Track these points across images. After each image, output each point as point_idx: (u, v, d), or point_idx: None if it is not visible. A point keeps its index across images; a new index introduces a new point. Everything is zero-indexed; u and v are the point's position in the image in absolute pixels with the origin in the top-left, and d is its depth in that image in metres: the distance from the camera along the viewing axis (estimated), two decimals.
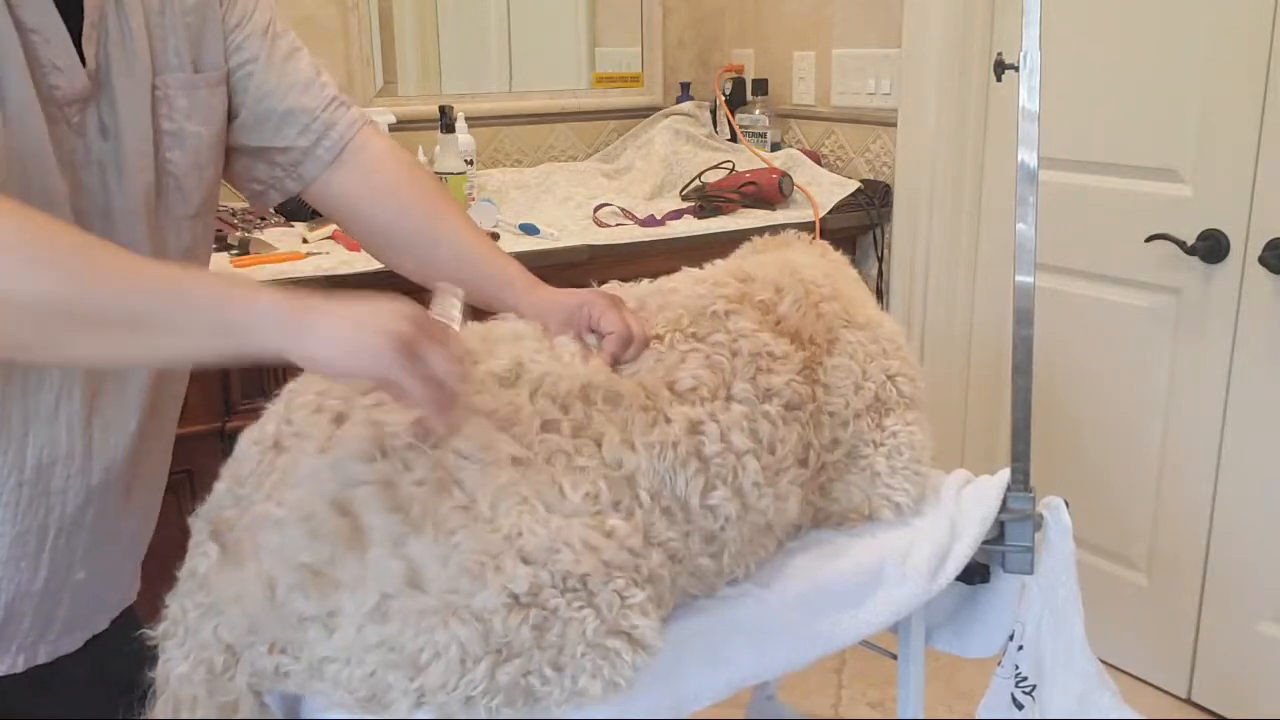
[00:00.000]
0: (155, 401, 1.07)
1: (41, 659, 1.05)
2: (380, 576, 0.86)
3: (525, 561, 0.88)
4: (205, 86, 1.04)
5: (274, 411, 1.00)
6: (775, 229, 1.50)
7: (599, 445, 0.98)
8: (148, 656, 0.95)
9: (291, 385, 1.01)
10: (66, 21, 0.91)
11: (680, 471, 1.01)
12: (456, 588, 0.86)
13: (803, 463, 1.15)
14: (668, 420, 1.03)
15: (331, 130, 1.14)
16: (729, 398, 1.08)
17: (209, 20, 1.04)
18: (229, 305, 0.80)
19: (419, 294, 1.06)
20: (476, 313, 1.11)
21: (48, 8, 0.89)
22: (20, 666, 1.03)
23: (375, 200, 1.16)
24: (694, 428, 1.03)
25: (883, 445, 1.23)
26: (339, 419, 0.95)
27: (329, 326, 0.81)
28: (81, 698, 1.10)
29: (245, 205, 2.26)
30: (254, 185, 1.16)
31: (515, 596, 0.87)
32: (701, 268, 1.26)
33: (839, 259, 1.41)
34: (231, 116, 1.10)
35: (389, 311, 0.83)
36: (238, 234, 2.00)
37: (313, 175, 1.14)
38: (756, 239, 1.46)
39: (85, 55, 0.92)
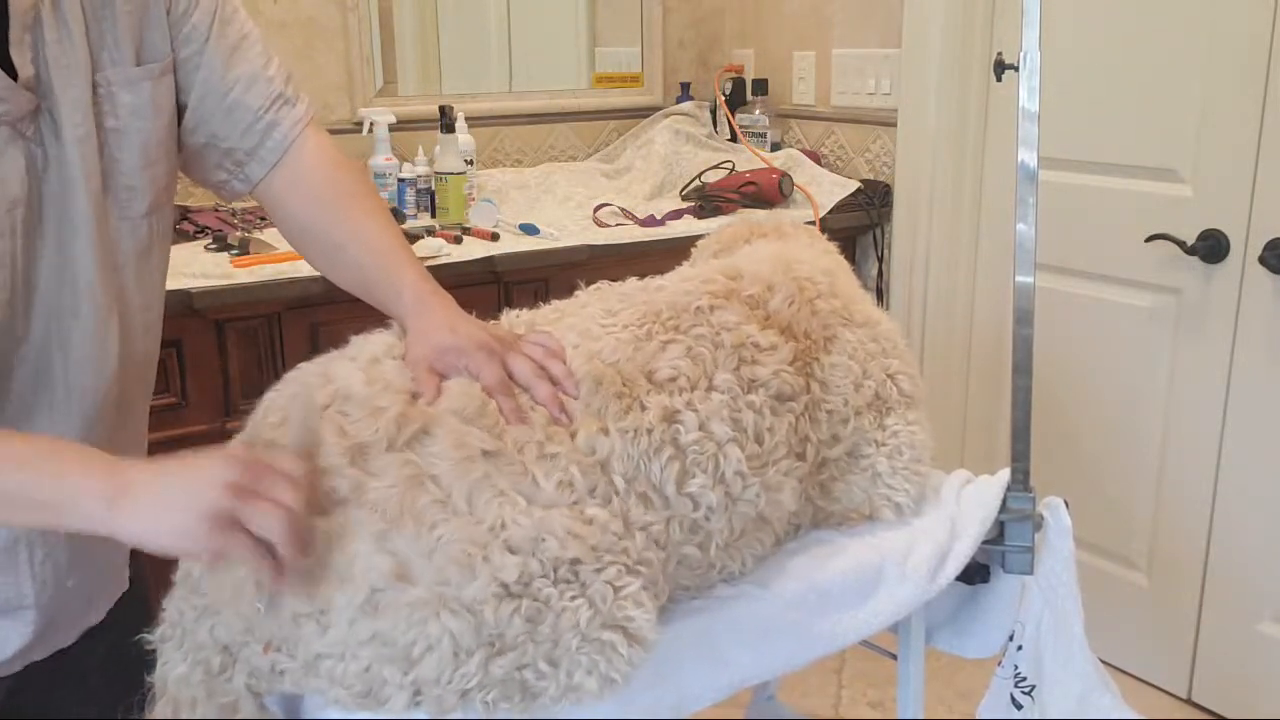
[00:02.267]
0: (117, 414, 1.05)
1: (37, 656, 1.05)
2: (367, 572, 0.87)
3: (512, 551, 0.89)
4: (149, 79, 1.00)
5: (254, 419, 1.01)
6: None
7: (572, 434, 0.98)
8: (148, 659, 0.95)
9: (269, 395, 1.02)
10: None
11: (654, 458, 1.00)
12: (446, 579, 0.87)
13: (800, 456, 1.15)
14: (643, 408, 1.02)
15: (275, 130, 1.09)
16: (710, 387, 1.07)
17: (150, 8, 1.00)
18: (53, 485, 0.82)
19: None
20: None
21: None
22: (16, 667, 1.03)
23: (298, 199, 1.12)
24: (669, 416, 1.03)
25: (884, 445, 1.23)
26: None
27: (142, 513, 0.81)
28: (95, 687, 1.09)
29: (245, 205, 2.26)
30: (210, 183, 1.13)
31: (505, 586, 0.88)
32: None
33: (830, 247, 1.41)
34: (179, 110, 1.06)
35: (204, 481, 0.81)
36: (238, 234, 2.01)
37: (258, 177, 1.10)
38: (737, 223, 1.46)
39: (17, 64, 0.89)
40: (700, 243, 1.50)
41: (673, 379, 1.06)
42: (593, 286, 1.19)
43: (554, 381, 1.02)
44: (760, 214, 2.34)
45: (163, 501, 0.81)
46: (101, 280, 0.98)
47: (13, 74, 0.89)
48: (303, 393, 0.99)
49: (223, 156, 1.09)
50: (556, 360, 1.03)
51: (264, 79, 1.08)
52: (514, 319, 1.14)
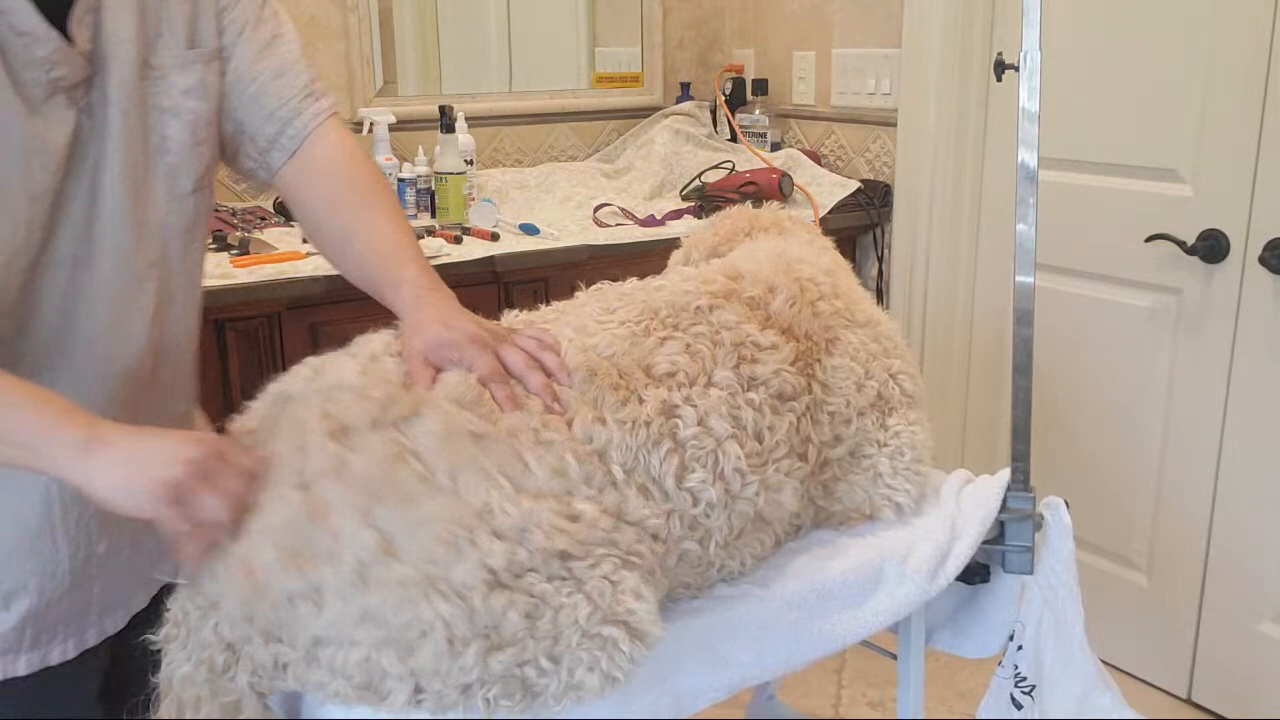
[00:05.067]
0: (153, 369, 1.08)
1: (91, 642, 1.07)
2: (352, 545, 0.88)
3: (499, 537, 0.89)
4: (200, 62, 1.05)
5: (254, 409, 1.03)
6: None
7: (569, 423, 0.98)
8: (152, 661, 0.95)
9: (271, 387, 1.04)
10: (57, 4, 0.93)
11: (653, 451, 1.01)
12: (433, 558, 0.87)
13: (801, 456, 1.15)
14: (641, 400, 1.03)
15: (295, 120, 1.13)
16: (709, 384, 1.08)
17: None
18: (34, 427, 0.86)
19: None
20: None
21: (28, 9, 0.91)
22: (72, 652, 1.06)
23: (311, 191, 1.15)
24: (668, 410, 1.03)
25: (886, 445, 1.23)
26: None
27: (109, 465, 0.86)
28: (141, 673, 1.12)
29: (245, 205, 2.26)
30: (241, 171, 1.17)
31: (494, 573, 0.88)
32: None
33: (828, 243, 1.42)
34: None
35: (168, 452, 0.87)
36: (238, 234, 2.01)
37: (278, 165, 1.14)
38: (736, 216, 1.46)
39: (74, 38, 0.94)
40: (694, 234, 1.49)
41: (671, 374, 1.06)
42: (593, 287, 1.20)
43: (547, 373, 1.03)
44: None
45: (130, 461, 0.86)
46: (135, 248, 1.02)
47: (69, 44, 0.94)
48: (278, 387, 1.01)
49: (249, 144, 1.13)
50: (550, 352, 1.04)
51: (291, 73, 1.12)
52: (514, 319, 1.15)
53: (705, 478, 1.03)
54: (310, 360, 1.05)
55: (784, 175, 2.41)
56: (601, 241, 2.17)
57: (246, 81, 1.10)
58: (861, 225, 2.50)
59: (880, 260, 2.54)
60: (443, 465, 0.91)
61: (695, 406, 1.05)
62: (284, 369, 1.06)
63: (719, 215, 1.51)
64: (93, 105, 0.97)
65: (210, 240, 1.99)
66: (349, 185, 1.14)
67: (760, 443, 1.09)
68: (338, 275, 1.17)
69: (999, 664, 1.36)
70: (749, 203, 1.57)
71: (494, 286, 2.06)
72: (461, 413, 0.95)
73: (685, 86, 2.87)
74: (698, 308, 1.13)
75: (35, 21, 0.91)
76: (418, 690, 0.88)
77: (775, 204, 1.45)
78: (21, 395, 0.87)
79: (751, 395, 1.09)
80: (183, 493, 0.86)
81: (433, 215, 2.34)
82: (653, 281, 1.20)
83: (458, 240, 2.10)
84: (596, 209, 2.35)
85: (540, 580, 0.89)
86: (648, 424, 1.01)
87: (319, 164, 1.14)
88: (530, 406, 0.99)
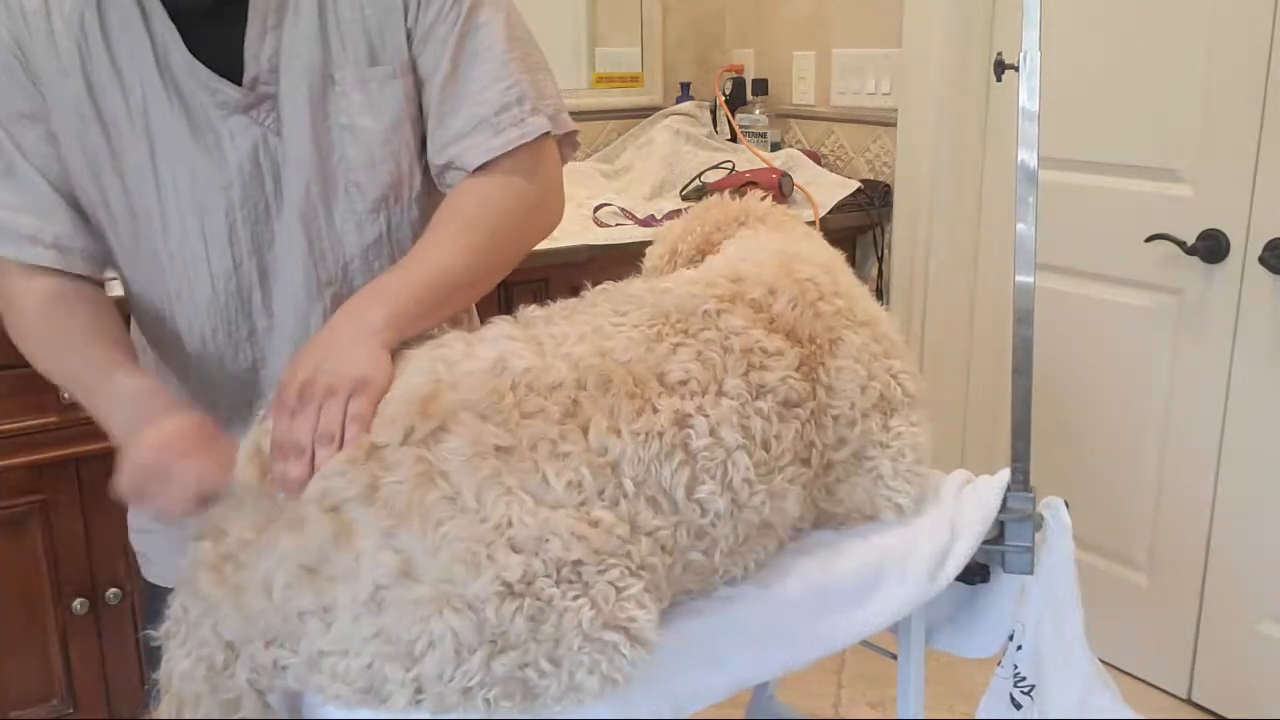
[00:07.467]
0: None
1: None
2: (372, 568, 0.87)
3: (516, 550, 0.89)
4: (377, 80, 1.04)
5: (260, 420, 1.01)
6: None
7: (585, 432, 0.98)
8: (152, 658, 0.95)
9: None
10: (235, 24, 0.97)
11: (665, 463, 1.00)
12: (451, 577, 0.87)
13: (805, 461, 1.15)
14: (655, 410, 1.02)
15: (457, 159, 1.09)
16: (720, 393, 1.07)
17: (390, 12, 1.05)
18: (107, 401, 1.01)
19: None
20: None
21: (218, 35, 0.95)
22: None
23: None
24: (681, 420, 1.03)
25: (889, 447, 1.23)
26: None
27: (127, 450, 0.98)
28: None
29: None
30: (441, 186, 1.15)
31: (509, 585, 0.87)
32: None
33: (823, 240, 1.41)
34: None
35: (126, 459, 0.98)
36: None
37: (450, 185, 1.12)
38: (728, 204, 1.45)
39: (248, 58, 0.97)
40: (672, 229, 1.47)
41: (684, 382, 1.05)
42: (598, 287, 1.19)
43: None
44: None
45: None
46: (313, 267, 1.05)
47: (239, 68, 1.00)
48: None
49: (431, 170, 1.13)
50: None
51: (485, 95, 1.11)
52: (527, 313, 1.13)
53: (715, 489, 1.02)
54: None
55: (784, 175, 2.41)
56: (602, 241, 2.16)
57: (438, 103, 1.08)
58: (861, 225, 2.50)
59: (880, 260, 2.54)
60: (468, 484, 0.90)
61: (708, 416, 1.04)
62: None
63: (701, 206, 1.48)
64: (280, 121, 0.98)
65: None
66: (444, 210, 1.10)
67: (768, 451, 1.08)
68: None
69: (999, 664, 1.36)
70: (726, 193, 1.55)
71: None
72: (486, 427, 0.94)
73: (685, 86, 2.87)
74: (705, 312, 1.12)
75: (213, 39, 0.94)
76: (418, 692, 0.88)
77: (758, 193, 1.43)
78: (126, 377, 1.00)
79: (760, 404, 1.09)
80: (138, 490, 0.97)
81: None
82: (658, 283, 1.20)
83: None
84: (596, 209, 2.35)
85: (549, 585, 0.89)
86: (660, 435, 1.00)
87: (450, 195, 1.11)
88: (548, 412, 0.98)
